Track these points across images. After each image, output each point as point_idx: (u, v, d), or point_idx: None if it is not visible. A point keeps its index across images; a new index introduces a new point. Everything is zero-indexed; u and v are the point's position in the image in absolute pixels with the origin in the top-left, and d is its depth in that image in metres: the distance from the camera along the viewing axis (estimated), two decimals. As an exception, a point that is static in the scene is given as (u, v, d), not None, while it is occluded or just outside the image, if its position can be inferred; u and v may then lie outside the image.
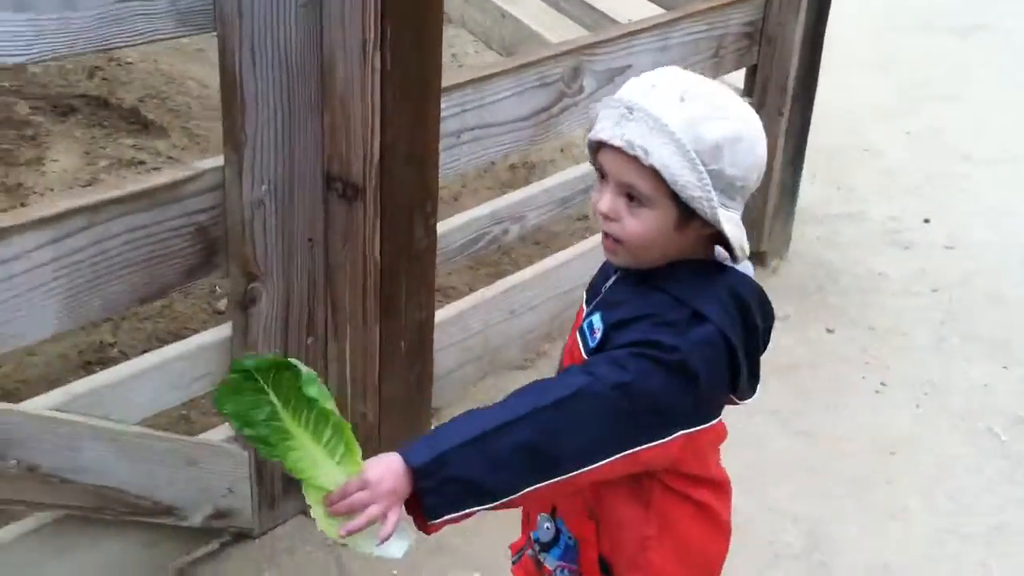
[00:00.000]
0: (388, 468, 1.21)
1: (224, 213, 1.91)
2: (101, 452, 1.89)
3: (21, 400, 1.90)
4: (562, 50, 2.61)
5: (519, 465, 1.23)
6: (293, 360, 1.22)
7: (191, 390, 2.03)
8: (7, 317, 1.69)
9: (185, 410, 2.48)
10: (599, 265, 1.48)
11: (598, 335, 1.35)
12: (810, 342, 3.14)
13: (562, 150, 3.96)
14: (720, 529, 1.50)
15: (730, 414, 1.42)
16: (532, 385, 1.30)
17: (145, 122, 3.70)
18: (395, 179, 2.08)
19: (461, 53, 4.76)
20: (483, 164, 2.61)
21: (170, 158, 3.53)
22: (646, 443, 1.28)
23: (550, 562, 1.49)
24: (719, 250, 1.37)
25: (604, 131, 1.31)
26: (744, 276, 1.36)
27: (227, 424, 1.96)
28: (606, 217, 1.33)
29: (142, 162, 3.48)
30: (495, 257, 3.28)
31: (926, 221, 3.86)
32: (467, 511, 1.23)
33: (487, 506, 1.24)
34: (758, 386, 1.41)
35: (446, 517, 1.23)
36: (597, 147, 1.34)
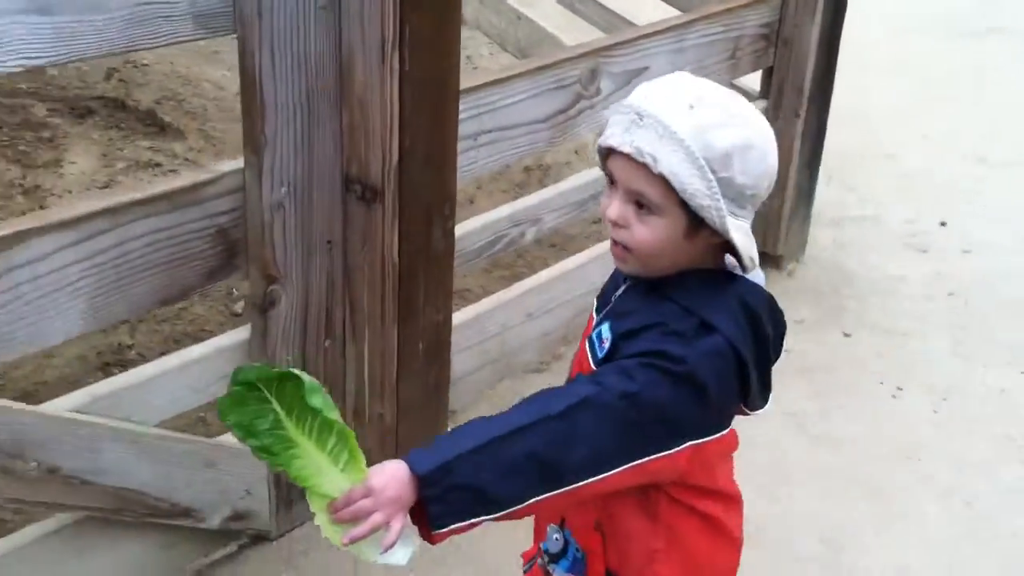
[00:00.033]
0: (392, 476, 1.20)
1: (244, 215, 1.92)
2: (121, 454, 1.90)
3: (40, 401, 1.91)
4: (579, 52, 2.61)
5: (525, 474, 1.22)
6: (296, 370, 1.22)
7: (210, 392, 2.04)
8: (34, 318, 1.70)
9: (203, 412, 2.49)
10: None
11: (607, 345, 1.34)
12: (827, 346, 3.13)
13: (576, 152, 3.96)
14: (730, 543, 1.48)
15: (746, 417, 1.42)
16: (539, 394, 1.29)
17: (162, 124, 3.71)
18: (414, 181, 2.08)
19: (475, 55, 4.77)
20: (500, 167, 2.61)
21: (187, 160, 3.54)
22: (654, 453, 1.27)
23: (558, 573, 1.48)
24: (729, 259, 1.35)
25: (613, 137, 1.30)
26: (754, 285, 1.35)
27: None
28: (615, 224, 1.32)
29: (159, 164, 3.49)
30: (509, 259, 3.28)
31: (942, 224, 3.85)
32: (472, 520, 1.22)
33: (493, 516, 1.23)
34: (770, 396, 1.39)
35: (451, 526, 1.21)
36: (607, 153, 1.33)
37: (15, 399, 1.91)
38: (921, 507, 2.57)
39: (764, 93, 3.32)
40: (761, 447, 2.64)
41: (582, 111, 2.62)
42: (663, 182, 1.26)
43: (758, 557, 2.36)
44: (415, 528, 1.24)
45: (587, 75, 2.60)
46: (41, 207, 3.15)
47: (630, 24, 3.93)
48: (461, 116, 2.19)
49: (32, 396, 2.49)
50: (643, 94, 1.30)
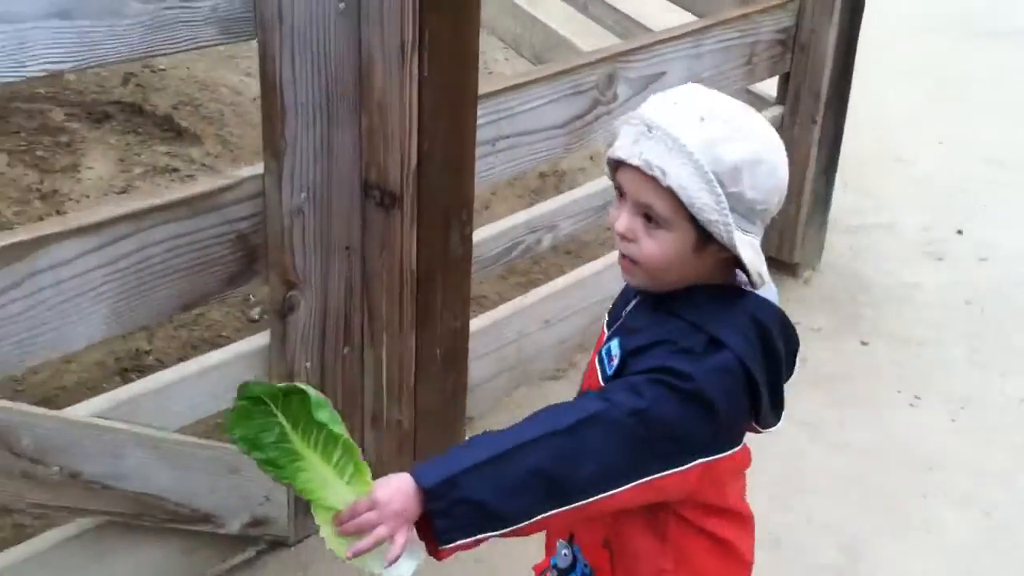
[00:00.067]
0: (397, 489, 1.19)
1: (264, 221, 1.92)
2: (143, 459, 1.90)
3: (60, 407, 1.92)
4: (596, 57, 2.61)
5: (532, 490, 1.20)
6: (302, 385, 1.22)
7: (229, 398, 2.00)
8: (57, 323, 1.70)
9: (222, 418, 2.49)
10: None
11: (615, 362, 1.33)
12: (844, 354, 3.11)
13: (591, 158, 3.96)
14: (740, 565, 1.45)
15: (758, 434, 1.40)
16: (547, 409, 1.27)
17: (179, 129, 3.72)
18: (432, 187, 2.08)
19: (490, 60, 4.77)
20: (518, 172, 2.61)
21: (204, 165, 3.55)
22: (663, 471, 1.25)
23: None
24: (739, 274, 1.33)
25: (622, 149, 1.28)
26: (764, 301, 1.33)
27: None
28: (623, 237, 1.30)
29: (176, 169, 3.50)
30: (525, 266, 3.27)
31: (959, 232, 3.83)
32: (479, 536, 1.21)
33: (499, 532, 1.21)
34: (782, 414, 1.37)
35: (458, 542, 1.20)
36: (616, 165, 1.31)
37: (34, 404, 1.92)
38: (939, 516, 2.56)
39: (781, 99, 3.31)
40: (778, 456, 2.63)
41: (599, 117, 2.62)
42: (672, 196, 1.24)
43: (776, 566, 2.36)
44: (421, 543, 1.23)
45: (604, 80, 2.60)
46: (58, 212, 3.17)
47: (645, 29, 3.93)
48: (479, 121, 2.19)
49: (51, 401, 2.49)
50: (653, 106, 1.29)
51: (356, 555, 1.20)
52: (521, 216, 2.69)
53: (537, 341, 2.82)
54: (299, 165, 1.92)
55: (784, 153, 1.30)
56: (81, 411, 1.87)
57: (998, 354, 3.17)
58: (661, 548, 1.38)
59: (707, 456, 1.28)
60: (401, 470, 1.23)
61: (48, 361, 1.85)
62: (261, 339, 2.06)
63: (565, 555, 1.46)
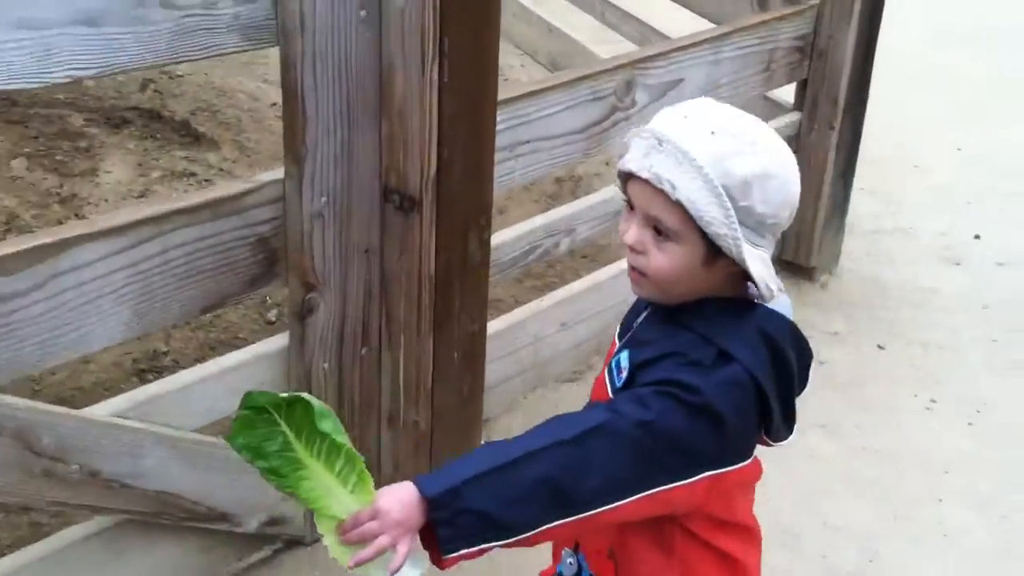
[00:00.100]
0: (399, 498, 1.19)
1: (284, 224, 1.94)
2: (162, 458, 1.92)
3: (77, 407, 1.93)
4: (615, 64, 2.62)
5: (536, 500, 1.20)
6: (305, 395, 1.22)
7: (247, 399, 2.05)
8: (78, 324, 1.72)
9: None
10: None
11: (624, 375, 1.32)
12: (861, 358, 3.11)
13: (607, 163, 3.97)
14: None
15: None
16: (553, 419, 1.27)
17: (196, 134, 3.75)
18: (451, 192, 2.10)
19: (506, 66, 4.78)
20: (536, 178, 2.62)
21: (221, 170, 3.58)
22: (670, 483, 1.24)
23: None
24: (751, 287, 1.32)
25: (632, 162, 1.28)
26: (775, 314, 1.32)
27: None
28: (632, 249, 1.30)
29: (193, 174, 3.52)
30: (540, 270, 3.28)
31: (976, 237, 3.83)
32: (482, 546, 1.20)
33: (503, 542, 1.21)
34: (794, 427, 1.36)
35: (461, 551, 1.19)
36: (626, 177, 1.31)
37: (52, 404, 1.94)
38: (957, 520, 2.55)
39: (798, 105, 3.32)
40: (796, 459, 2.63)
41: (617, 123, 2.63)
42: (681, 209, 1.24)
43: (795, 568, 2.36)
44: (425, 552, 1.23)
45: (623, 87, 2.61)
46: (77, 216, 3.20)
47: (661, 36, 3.94)
48: (498, 127, 2.20)
49: (68, 402, 2.51)
50: (664, 119, 1.29)
51: (358, 564, 1.20)
52: (539, 220, 2.71)
53: (553, 344, 2.83)
54: (320, 170, 1.93)
55: (795, 167, 1.30)
56: (100, 411, 1.89)
57: (1015, 359, 3.16)
58: (667, 561, 1.37)
59: (715, 469, 1.27)
60: (417, 471, 1.24)
61: (66, 362, 1.87)
62: (280, 340, 2.08)
63: (571, 563, 1.46)
